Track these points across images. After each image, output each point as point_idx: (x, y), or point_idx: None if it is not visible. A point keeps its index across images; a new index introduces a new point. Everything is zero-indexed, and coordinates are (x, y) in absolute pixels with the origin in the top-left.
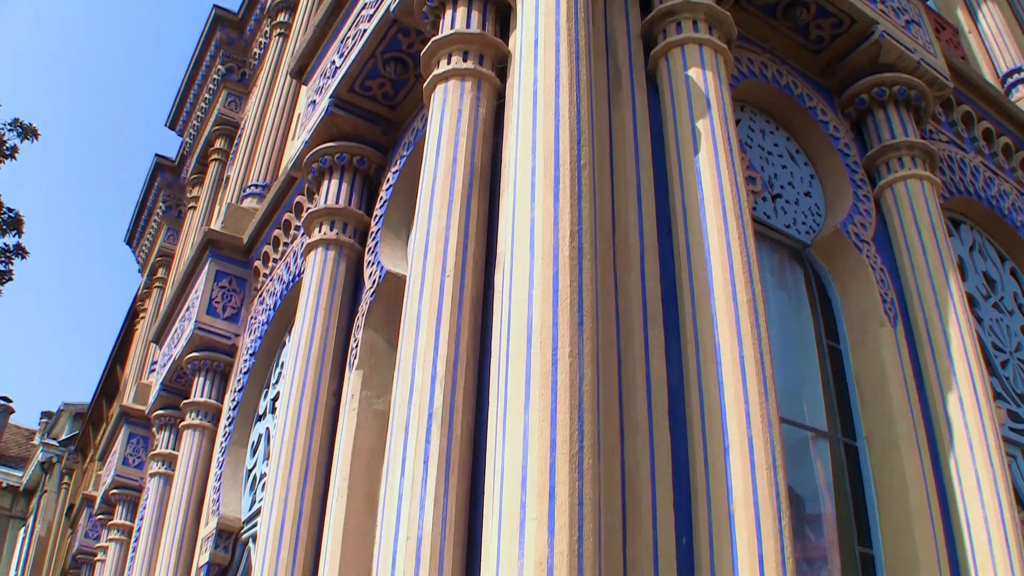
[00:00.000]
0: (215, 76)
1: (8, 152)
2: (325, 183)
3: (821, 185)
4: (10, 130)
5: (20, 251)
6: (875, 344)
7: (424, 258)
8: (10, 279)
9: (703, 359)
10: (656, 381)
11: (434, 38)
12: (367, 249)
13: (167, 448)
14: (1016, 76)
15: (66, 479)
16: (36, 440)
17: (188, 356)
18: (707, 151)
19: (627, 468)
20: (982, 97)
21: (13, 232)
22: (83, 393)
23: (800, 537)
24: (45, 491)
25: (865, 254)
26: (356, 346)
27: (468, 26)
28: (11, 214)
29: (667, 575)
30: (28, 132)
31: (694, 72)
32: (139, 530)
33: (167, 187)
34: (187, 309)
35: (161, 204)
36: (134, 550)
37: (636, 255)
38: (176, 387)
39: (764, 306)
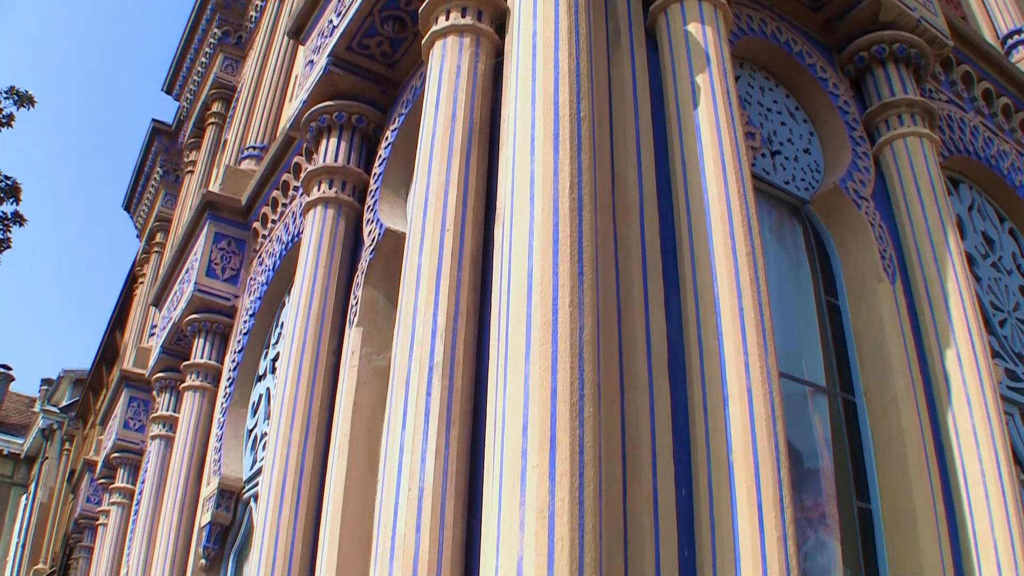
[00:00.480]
0: (211, 40)
1: (4, 120)
2: (324, 142)
3: (820, 142)
4: (6, 98)
5: (18, 219)
6: (874, 300)
7: (424, 213)
8: (8, 247)
9: (703, 312)
10: (656, 334)
11: None
12: (366, 207)
13: (168, 411)
14: (1016, 37)
15: (67, 445)
16: (36, 407)
17: (188, 318)
18: (706, 106)
19: (627, 419)
20: (982, 57)
21: (11, 200)
22: (83, 360)
23: (798, 491)
24: (46, 458)
25: (864, 211)
26: (356, 304)
27: None
28: (8, 182)
29: (667, 524)
30: (24, 100)
31: (693, 28)
32: (140, 493)
33: (164, 152)
34: (186, 271)
35: (159, 169)
36: (136, 513)
37: (635, 209)
38: (176, 349)
39: (764, 260)
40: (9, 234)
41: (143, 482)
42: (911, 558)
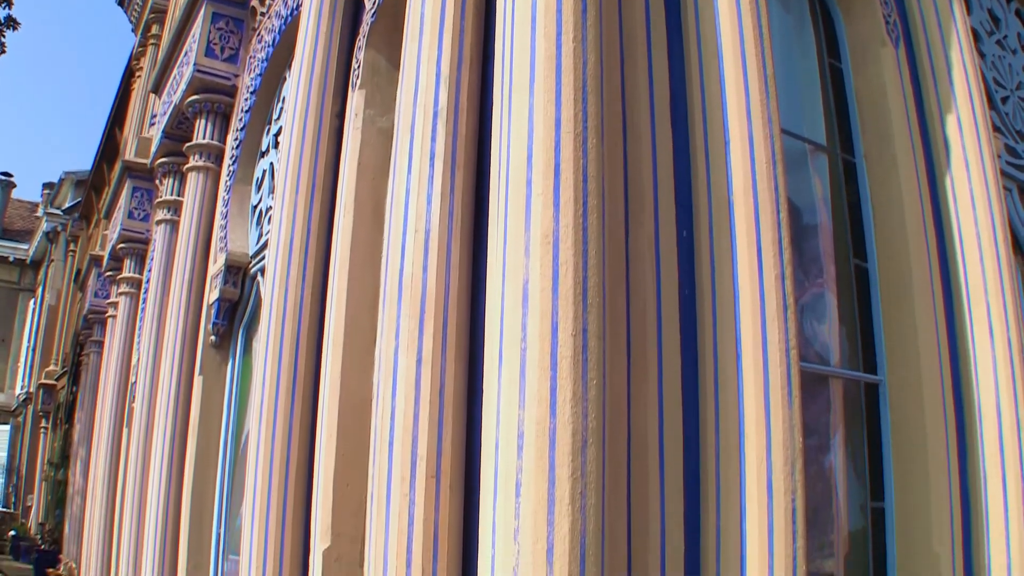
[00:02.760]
0: None
1: None
2: None
3: None
4: None
5: (11, 23)
6: (876, 64)
7: None
8: (3, 52)
9: (705, 55)
10: (658, 81)
11: None
12: None
13: (172, 195)
14: None
15: (72, 247)
16: (39, 212)
17: (189, 99)
18: None
19: (629, 159)
20: None
21: (3, 4)
22: (83, 162)
23: (797, 245)
24: (52, 260)
25: None
26: (358, 67)
27: None
28: None
29: (667, 264)
30: None
31: None
32: (148, 280)
33: None
34: (185, 54)
35: None
36: (144, 300)
37: None
38: (178, 133)
39: (767, 8)
40: (3, 39)
41: (150, 269)
42: (905, 315)
